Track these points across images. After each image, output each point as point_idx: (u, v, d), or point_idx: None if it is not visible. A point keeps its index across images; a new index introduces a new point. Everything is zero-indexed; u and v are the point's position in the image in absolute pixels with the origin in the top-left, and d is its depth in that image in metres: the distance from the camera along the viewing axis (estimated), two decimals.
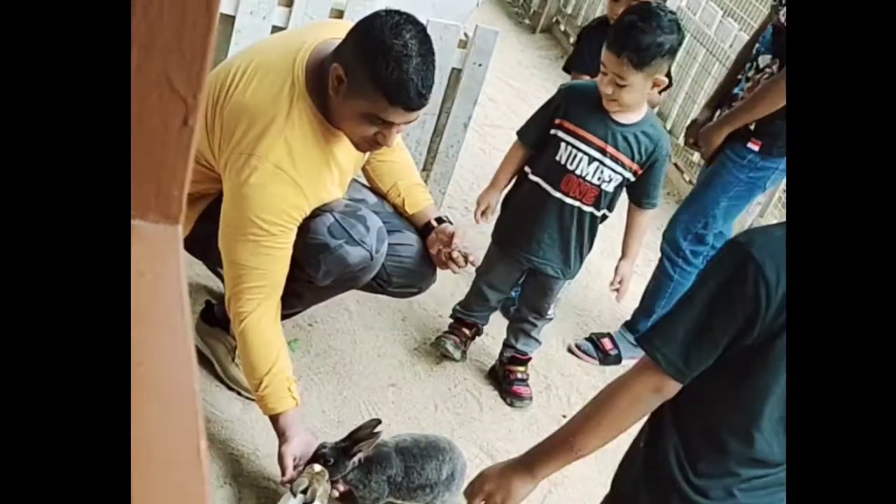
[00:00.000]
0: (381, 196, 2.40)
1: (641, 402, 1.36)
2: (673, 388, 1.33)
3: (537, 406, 2.73)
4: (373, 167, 2.39)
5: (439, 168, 3.27)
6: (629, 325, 3.06)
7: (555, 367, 2.93)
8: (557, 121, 2.41)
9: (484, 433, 2.56)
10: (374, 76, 1.85)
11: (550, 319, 2.69)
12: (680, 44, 2.34)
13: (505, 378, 2.71)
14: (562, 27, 5.94)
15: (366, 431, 2.02)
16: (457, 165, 3.31)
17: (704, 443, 1.37)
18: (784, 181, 2.97)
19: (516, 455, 2.47)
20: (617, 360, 3.01)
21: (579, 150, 2.37)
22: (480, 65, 3.10)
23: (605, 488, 2.48)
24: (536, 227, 2.48)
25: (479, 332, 2.80)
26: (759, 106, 2.59)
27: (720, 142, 2.71)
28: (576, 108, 2.39)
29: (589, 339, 3.06)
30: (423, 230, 2.36)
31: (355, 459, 2.02)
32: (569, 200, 2.43)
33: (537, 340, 2.71)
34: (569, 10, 5.90)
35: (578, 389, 2.86)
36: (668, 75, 2.49)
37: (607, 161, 2.37)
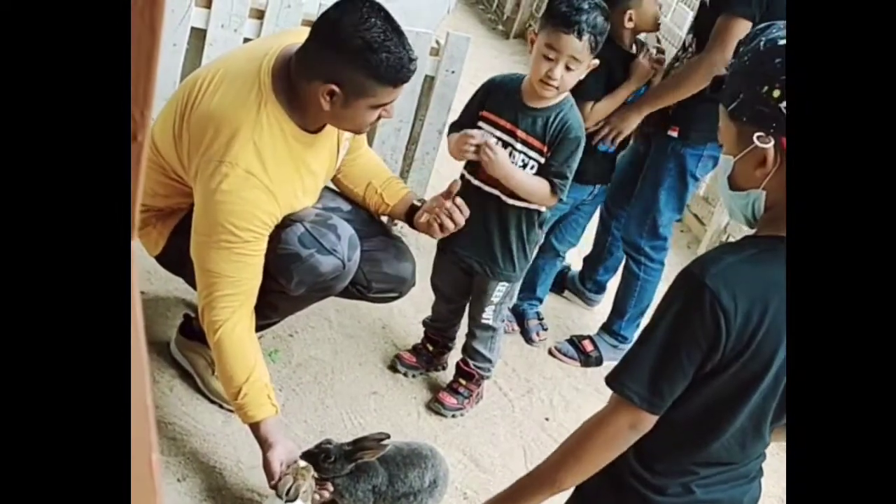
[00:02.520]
0: (356, 203, 2.40)
1: (619, 439, 1.36)
2: (649, 421, 1.34)
3: (520, 410, 2.74)
4: (344, 173, 2.39)
5: (415, 175, 3.28)
6: (605, 328, 3.08)
7: (536, 370, 2.94)
8: (482, 112, 2.39)
9: (467, 438, 2.56)
10: (373, 72, 1.89)
11: (491, 329, 2.57)
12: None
13: (450, 382, 2.67)
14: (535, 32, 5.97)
15: (372, 441, 2.03)
16: (433, 172, 3.32)
17: (661, 446, 1.38)
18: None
19: (499, 459, 2.50)
20: (598, 361, 3.02)
21: (493, 135, 2.35)
22: (454, 72, 3.11)
23: None
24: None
25: (443, 349, 2.74)
26: (682, 88, 2.64)
27: (636, 123, 2.75)
28: (494, 97, 2.38)
29: (569, 340, 3.07)
30: (410, 214, 2.35)
31: (352, 466, 2.02)
32: (487, 189, 2.38)
33: (483, 355, 2.60)
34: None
35: (560, 392, 2.87)
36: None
37: (518, 145, 2.33)
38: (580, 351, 3.03)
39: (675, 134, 2.73)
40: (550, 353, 3.04)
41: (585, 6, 2.21)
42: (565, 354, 3.03)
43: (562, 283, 3.39)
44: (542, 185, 2.33)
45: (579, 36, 2.20)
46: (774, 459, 2.86)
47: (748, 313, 1.24)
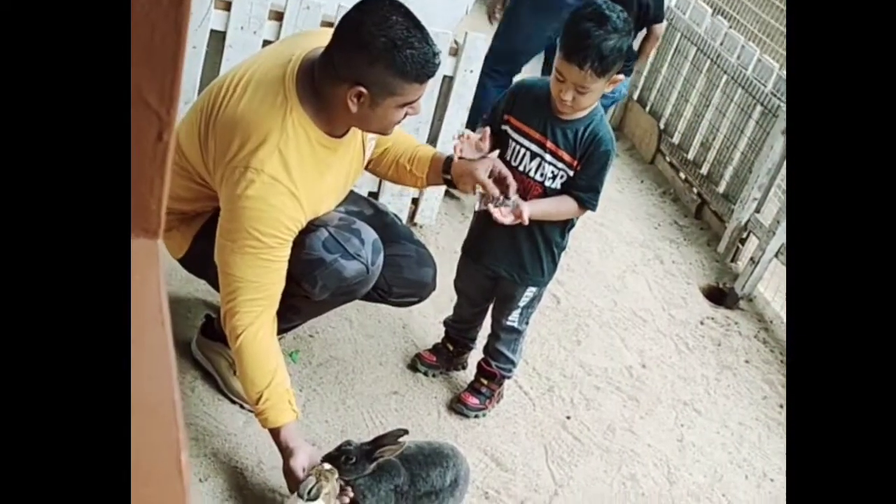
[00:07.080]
0: (378, 207, 2.40)
1: None
2: None
3: (540, 408, 2.73)
4: (375, 164, 2.37)
5: None
6: None
7: (556, 369, 2.93)
8: (506, 116, 2.36)
9: (488, 437, 2.56)
10: (399, 70, 1.88)
11: (515, 332, 2.56)
12: (630, 37, 2.28)
13: (472, 382, 2.67)
14: None
15: (391, 438, 2.03)
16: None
17: None
18: None
19: (520, 458, 2.49)
20: None
21: (522, 145, 2.32)
22: (472, 71, 3.11)
23: (610, 489, 2.48)
24: (488, 227, 2.40)
25: (463, 349, 2.74)
26: None
27: None
28: (521, 103, 2.35)
29: None
30: (446, 168, 2.31)
31: (374, 465, 2.02)
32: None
33: (506, 357, 2.59)
34: None
35: (581, 390, 2.85)
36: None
37: (547, 156, 2.30)
38: None
39: None
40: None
41: (596, 32, 2.14)
42: None
43: None
44: (568, 205, 2.32)
45: (580, 67, 2.15)
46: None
47: None
